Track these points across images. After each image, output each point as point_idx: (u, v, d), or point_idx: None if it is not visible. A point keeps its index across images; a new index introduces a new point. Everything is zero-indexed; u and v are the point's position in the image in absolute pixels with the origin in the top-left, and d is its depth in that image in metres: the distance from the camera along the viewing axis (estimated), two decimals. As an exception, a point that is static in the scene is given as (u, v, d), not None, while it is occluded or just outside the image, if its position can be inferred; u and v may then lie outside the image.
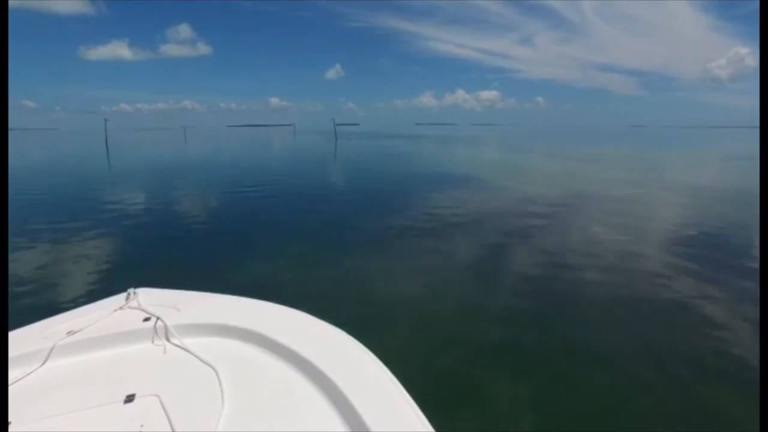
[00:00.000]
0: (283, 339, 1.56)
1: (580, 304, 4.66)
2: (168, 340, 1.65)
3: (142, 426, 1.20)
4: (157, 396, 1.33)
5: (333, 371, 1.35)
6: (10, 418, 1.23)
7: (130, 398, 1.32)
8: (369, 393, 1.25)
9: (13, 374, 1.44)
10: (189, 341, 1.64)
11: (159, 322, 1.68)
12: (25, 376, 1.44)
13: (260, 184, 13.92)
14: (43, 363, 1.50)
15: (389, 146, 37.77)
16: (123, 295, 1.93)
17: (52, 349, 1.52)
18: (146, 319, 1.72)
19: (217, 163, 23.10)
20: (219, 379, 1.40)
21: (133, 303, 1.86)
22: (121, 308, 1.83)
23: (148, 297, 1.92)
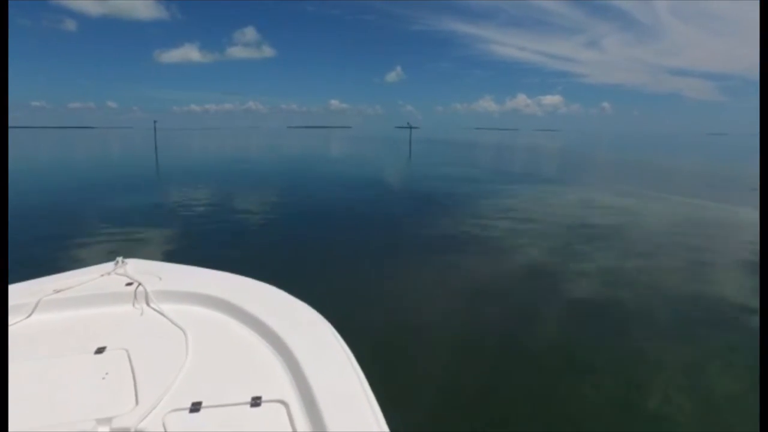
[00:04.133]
0: (252, 309, 1.64)
1: None
2: (147, 304, 1.75)
3: (107, 373, 1.29)
4: (125, 350, 1.41)
5: (292, 341, 1.43)
6: None
7: (100, 350, 1.41)
8: (323, 362, 1.33)
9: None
10: (165, 306, 1.72)
11: (140, 288, 1.78)
12: (12, 325, 1.58)
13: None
14: (29, 315, 1.64)
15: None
16: (112, 262, 2.05)
17: (37, 304, 1.66)
18: (129, 284, 1.82)
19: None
20: (186, 339, 1.48)
21: (120, 270, 1.98)
22: (108, 274, 1.94)
23: (136, 266, 2.03)
